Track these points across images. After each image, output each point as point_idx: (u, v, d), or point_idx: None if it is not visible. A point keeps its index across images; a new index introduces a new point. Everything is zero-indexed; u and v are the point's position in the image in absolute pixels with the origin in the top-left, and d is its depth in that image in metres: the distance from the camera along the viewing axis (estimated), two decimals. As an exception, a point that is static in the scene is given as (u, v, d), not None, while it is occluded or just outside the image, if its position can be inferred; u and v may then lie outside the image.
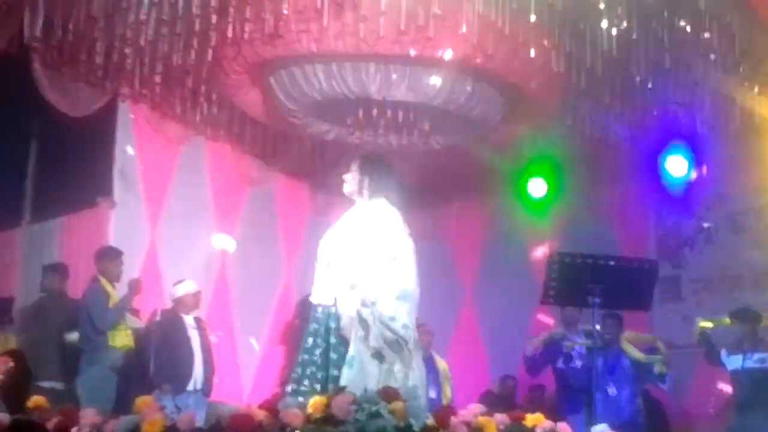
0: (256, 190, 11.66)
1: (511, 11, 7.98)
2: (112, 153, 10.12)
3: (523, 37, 8.48)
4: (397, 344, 5.78)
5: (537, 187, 11.63)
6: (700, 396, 10.00)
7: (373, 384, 5.52)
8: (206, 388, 8.93)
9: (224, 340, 10.12)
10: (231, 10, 8.41)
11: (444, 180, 12.15)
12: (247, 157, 11.48)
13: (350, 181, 6.44)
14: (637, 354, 8.73)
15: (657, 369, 8.70)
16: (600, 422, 6.61)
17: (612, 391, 8.43)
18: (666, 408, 10.14)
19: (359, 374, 5.69)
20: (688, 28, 8.44)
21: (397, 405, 5.08)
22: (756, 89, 9.19)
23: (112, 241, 9.59)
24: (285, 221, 12.16)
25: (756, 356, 8.20)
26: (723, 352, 8.47)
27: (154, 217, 10.50)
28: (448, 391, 10.06)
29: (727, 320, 8.45)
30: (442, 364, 10.27)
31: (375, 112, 9.72)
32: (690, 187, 10.67)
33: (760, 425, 8.12)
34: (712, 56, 8.77)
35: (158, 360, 8.60)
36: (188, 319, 9.07)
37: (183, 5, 8.11)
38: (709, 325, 8.54)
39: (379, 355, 5.77)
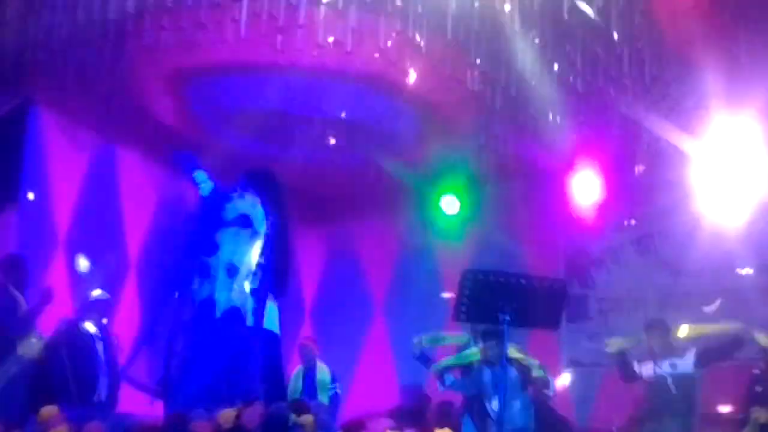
0: (167, 199, 11.52)
1: (429, 28, 8.06)
2: (21, 158, 9.91)
3: (440, 54, 8.56)
4: None
5: (450, 204, 11.75)
6: (603, 414, 10.13)
7: None
8: (111, 399, 8.78)
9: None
10: (147, 17, 8.33)
11: (357, 195, 12.17)
12: (159, 166, 11.36)
13: None
14: (517, 354, 8.78)
15: (535, 372, 8.79)
16: None
17: (499, 405, 8.46)
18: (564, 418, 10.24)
19: None
20: (601, 52, 8.62)
21: (307, 418, 5.08)
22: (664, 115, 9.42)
23: (20, 247, 9.37)
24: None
25: (666, 362, 8.33)
26: (635, 364, 8.59)
27: (63, 224, 10.32)
28: (324, 401, 10.05)
29: (639, 337, 8.57)
30: (323, 374, 10.24)
31: (288, 124, 9.72)
32: (599, 208, 10.85)
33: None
34: (623, 81, 8.96)
35: (62, 370, 8.42)
36: (94, 329, 8.91)
37: (99, 10, 8.00)
38: (625, 344, 8.61)
39: None
